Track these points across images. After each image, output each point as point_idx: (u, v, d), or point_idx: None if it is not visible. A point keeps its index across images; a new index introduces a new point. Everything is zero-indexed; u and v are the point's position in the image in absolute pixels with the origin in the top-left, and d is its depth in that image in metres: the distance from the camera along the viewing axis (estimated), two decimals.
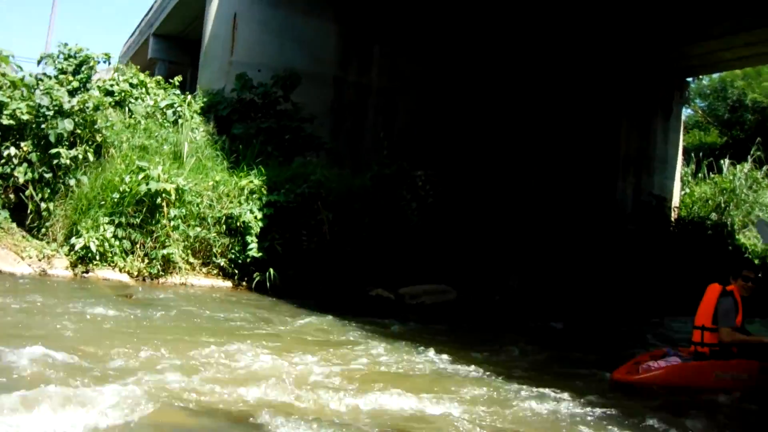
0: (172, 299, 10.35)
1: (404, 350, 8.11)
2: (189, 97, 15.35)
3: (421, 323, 10.80)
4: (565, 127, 21.13)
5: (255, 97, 15.66)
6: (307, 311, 10.19)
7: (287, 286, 12.06)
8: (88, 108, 12.14)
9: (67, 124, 11.72)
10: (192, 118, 14.60)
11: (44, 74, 13.35)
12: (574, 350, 9.75)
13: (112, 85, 14.48)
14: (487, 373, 7.24)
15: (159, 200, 11.68)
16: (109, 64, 14.75)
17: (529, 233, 16.80)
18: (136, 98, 14.61)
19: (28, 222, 11.87)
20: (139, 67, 16.13)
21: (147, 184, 11.60)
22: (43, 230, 11.80)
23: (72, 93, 12.79)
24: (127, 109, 14.20)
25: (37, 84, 12.45)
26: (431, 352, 7.99)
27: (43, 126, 11.79)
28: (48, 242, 11.65)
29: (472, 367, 7.45)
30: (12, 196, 11.97)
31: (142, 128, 13.61)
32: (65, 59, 13.77)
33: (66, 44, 13.90)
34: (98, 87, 14.19)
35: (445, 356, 7.86)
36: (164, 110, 14.63)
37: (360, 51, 18.86)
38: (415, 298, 12.90)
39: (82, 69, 13.71)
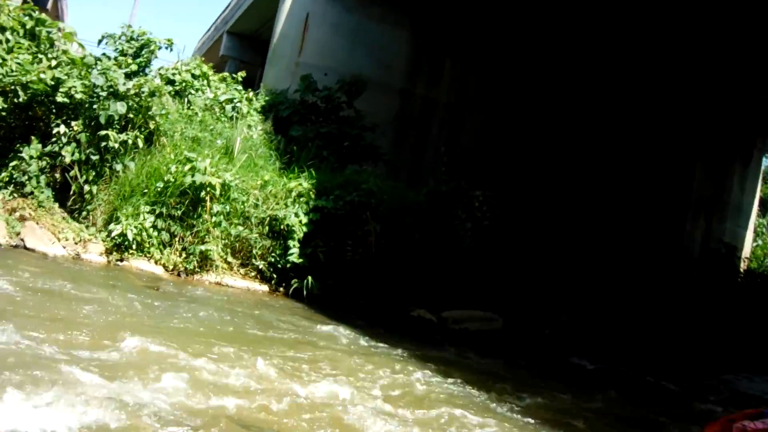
0: (203, 297, 9.88)
1: (465, 385, 7.34)
2: (250, 93, 15.03)
3: (471, 352, 9.96)
4: (636, 163, 20.29)
5: (318, 100, 15.27)
6: (345, 325, 9.52)
7: (325, 296, 11.48)
8: (143, 93, 11.82)
9: (119, 107, 11.37)
10: (249, 114, 14.23)
11: (104, 54, 13.10)
12: (650, 400, 9.22)
13: (174, 74, 14.19)
14: (571, 423, 6.64)
15: (203, 194, 11.23)
16: (171, 50, 14.52)
17: (587, 268, 15.99)
18: (197, 90, 14.30)
19: (69, 203, 11.57)
20: (204, 59, 15.87)
21: (192, 176, 11.19)
22: (84, 213, 11.46)
23: (129, 76, 12.51)
24: (186, 99, 13.90)
25: (96, 64, 12.19)
26: (497, 392, 7.27)
27: (95, 107, 11.51)
28: (87, 226, 11.31)
29: (552, 416, 6.77)
30: (58, 175, 11.72)
31: (198, 120, 13.27)
32: (127, 41, 13.53)
33: (129, 26, 13.66)
34: (160, 74, 13.93)
35: (509, 398, 7.15)
36: (223, 104, 14.31)
37: (431, 64, 18.41)
38: (458, 323, 12.21)
39: (143, 53, 13.44)
